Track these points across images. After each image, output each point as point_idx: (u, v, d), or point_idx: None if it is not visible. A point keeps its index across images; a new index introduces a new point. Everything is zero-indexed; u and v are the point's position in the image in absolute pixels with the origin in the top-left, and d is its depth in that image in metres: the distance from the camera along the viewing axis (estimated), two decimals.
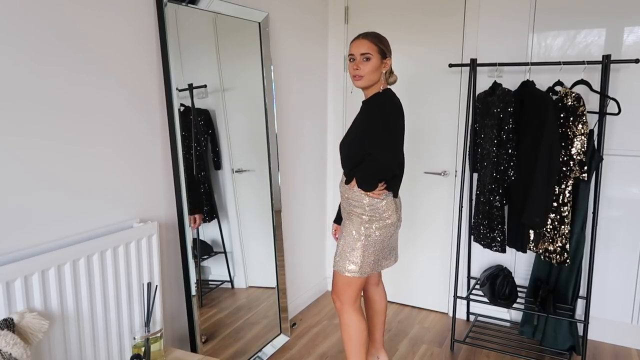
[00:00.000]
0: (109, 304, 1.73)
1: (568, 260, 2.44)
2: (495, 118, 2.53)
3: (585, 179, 2.37)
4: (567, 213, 2.40)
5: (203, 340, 2.19)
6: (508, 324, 2.98)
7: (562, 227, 2.41)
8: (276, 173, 2.67)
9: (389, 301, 3.36)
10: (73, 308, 1.59)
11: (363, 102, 2.08)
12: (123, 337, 1.80)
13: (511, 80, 2.72)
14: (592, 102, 2.54)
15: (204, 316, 2.23)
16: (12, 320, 1.35)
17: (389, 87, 2.07)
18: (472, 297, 2.86)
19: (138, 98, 1.90)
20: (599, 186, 2.45)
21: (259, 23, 2.54)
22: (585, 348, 2.51)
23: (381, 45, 1.97)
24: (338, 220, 2.33)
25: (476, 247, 2.97)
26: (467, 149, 2.70)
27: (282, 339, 2.73)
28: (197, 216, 2.16)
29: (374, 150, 1.91)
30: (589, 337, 2.74)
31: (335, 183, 3.40)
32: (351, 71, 1.97)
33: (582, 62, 2.40)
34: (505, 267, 2.75)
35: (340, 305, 2.11)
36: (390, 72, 2.07)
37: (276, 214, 2.67)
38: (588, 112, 2.39)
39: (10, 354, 1.30)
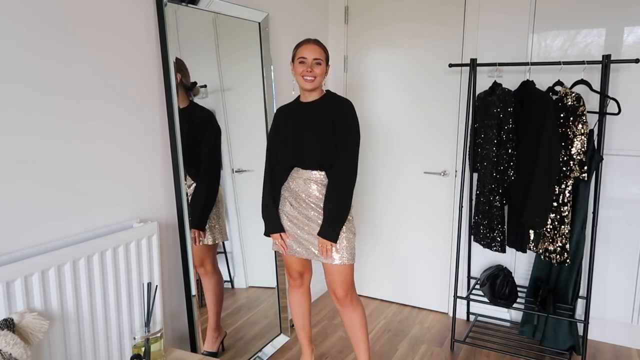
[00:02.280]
0: (109, 304, 1.73)
1: (568, 260, 2.44)
2: (495, 118, 2.53)
3: (585, 179, 2.37)
4: (567, 213, 2.40)
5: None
6: (508, 324, 2.98)
7: (562, 227, 2.41)
8: None
9: (388, 301, 3.37)
10: (73, 308, 1.59)
11: (312, 102, 2.10)
12: (123, 337, 1.80)
13: (511, 80, 2.72)
14: (592, 102, 2.54)
15: (204, 316, 2.23)
16: (12, 320, 1.35)
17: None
18: (472, 297, 2.86)
19: (138, 98, 1.90)
20: (599, 186, 2.45)
21: (259, 23, 2.54)
22: (585, 348, 2.51)
23: (327, 53, 2.11)
24: (281, 227, 2.16)
25: (476, 247, 2.97)
26: (467, 149, 2.70)
27: (282, 339, 2.73)
28: (199, 232, 2.16)
29: (352, 156, 2.05)
30: (589, 337, 2.74)
31: None
32: (303, 73, 2.03)
33: (582, 62, 2.40)
34: (505, 267, 2.75)
35: (352, 295, 2.16)
36: None
37: None
38: (588, 112, 2.39)
39: (10, 354, 1.30)
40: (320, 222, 2.07)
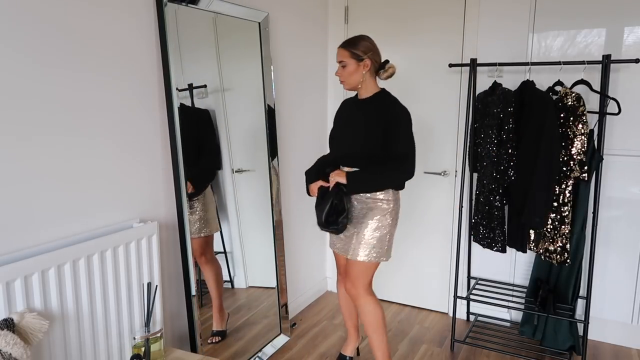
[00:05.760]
0: (109, 304, 1.73)
1: (568, 260, 2.44)
2: (495, 118, 2.53)
3: (586, 179, 2.37)
4: (567, 213, 2.40)
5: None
6: (508, 324, 2.98)
7: (562, 227, 2.41)
8: (276, 173, 2.67)
9: (388, 301, 3.37)
10: (73, 308, 1.59)
11: (362, 99, 2.16)
12: (123, 337, 1.80)
13: (511, 80, 2.72)
14: (592, 102, 2.54)
15: (204, 316, 2.23)
16: (12, 320, 1.35)
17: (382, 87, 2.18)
18: (472, 297, 2.86)
19: (138, 98, 1.90)
20: (599, 186, 2.45)
21: (259, 23, 2.54)
22: (585, 348, 2.51)
23: (354, 50, 2.09)
24: (315, 177, 2.26)
25: (476, 247, 2.97)
26: (467, 149, 2.70)
27: (282, 339, 2.73)
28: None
29: (409, 151, 2.04)
30: (589, 337, 2.74)
31: None
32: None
33: (582, 62, 2.40)
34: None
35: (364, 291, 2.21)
36: (380, 68, 2.14)
37: (276, 214, 2.67)
38: (588, 112, 2.39)
39: (10, 354, 1.30)
40: (356, 220, 2.14)
